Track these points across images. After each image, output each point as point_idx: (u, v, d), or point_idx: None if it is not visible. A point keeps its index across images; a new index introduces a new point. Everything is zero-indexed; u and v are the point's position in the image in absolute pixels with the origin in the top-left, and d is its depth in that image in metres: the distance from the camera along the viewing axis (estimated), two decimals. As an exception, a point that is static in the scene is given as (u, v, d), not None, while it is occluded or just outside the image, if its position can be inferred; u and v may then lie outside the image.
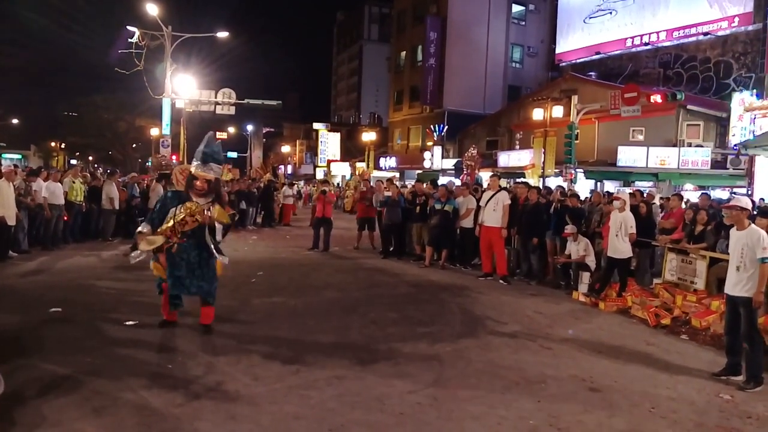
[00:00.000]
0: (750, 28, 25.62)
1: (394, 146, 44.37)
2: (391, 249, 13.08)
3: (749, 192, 16.78)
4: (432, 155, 35.09)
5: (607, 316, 8.22)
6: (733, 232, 5.87)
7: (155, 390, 4.65)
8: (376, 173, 36.83)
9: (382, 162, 41.39)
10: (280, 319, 7.12)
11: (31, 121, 67.53)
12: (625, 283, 9.05)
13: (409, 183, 26.28)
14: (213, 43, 27.28)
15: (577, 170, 21.81)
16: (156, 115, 28.47)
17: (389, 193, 13.50)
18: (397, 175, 37.37)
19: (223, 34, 25.41)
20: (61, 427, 4.00)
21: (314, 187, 24.74)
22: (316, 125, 53.62)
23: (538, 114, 24.72)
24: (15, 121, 59.47)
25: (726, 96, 24.66)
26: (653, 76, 29.46)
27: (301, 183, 37.62)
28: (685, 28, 28.14)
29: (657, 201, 13.82)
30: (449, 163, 33.43)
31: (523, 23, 41.44)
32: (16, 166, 13.00)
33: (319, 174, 47.03)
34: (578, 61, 33.84)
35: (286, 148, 64.57)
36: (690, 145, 22.97)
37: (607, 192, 14.87)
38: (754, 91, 22.73)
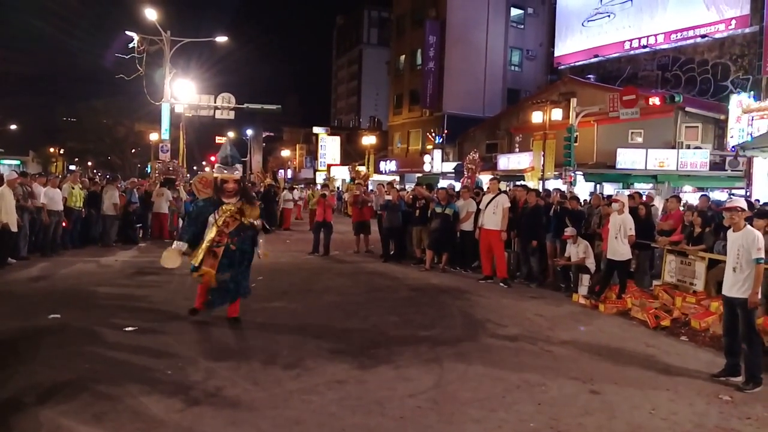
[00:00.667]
0: (747, 30, 25.62)
1: (394, 150, 44.38)
2: (392, 252, 13.09)
3: (748, 193, 16.76)
4: (432, 159, 35.10)
5: (607, 318, 8.22)
6: (729, 233, 5.89)
7: (155, 396, 4.65)
8: (376, 177, 36.86)
9: (383, 166, 41.40)
10: (281, 324, 7.12)
11: (30, 126, 67.48)
12: (625, 285, 9.05)
13: (409, 186, 26.30)
14: (212, 47, 27.30)
15: (577, 173, 21.79)
16: (155, 120, 28.48)
17: (389, 197, 13.52)
18: (398, 178, 37.39)
19: (222, 39, 25.43)
20: (61, 433, 3.99)
21: (312, 192, 24.74)
22: (315, 129, 53.68)
23: (537, 117, 24.73)
24: (13, 126, 59.37)
25: (724, 98, 24.66)
26: (651, 79, 29.49)
27: (302, 186, 37.58)
28: (683, 30, 28.16)
29: (657, 203, 13.83)
30: (449, 166, 33.42)
31: (522, 27, 41.51)
32: (24, 173, 12.97)
33: (319, 178, 47.05)
34: (577, 64, 33.85)
35: (285, 152, 64.60)
36: (689, 147, 22.97)
37: (604, 194, 14.87)
38: (752, 92, 22.72)
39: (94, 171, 62.37)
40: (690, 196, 18.04)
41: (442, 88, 38.20)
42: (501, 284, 10.31)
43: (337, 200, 28.51)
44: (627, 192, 14.44)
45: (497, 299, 9.18)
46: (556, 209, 10.72)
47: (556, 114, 23.66)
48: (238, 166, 7.21)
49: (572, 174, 20.75)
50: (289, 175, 58.14)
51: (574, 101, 21.65)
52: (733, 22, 26.10)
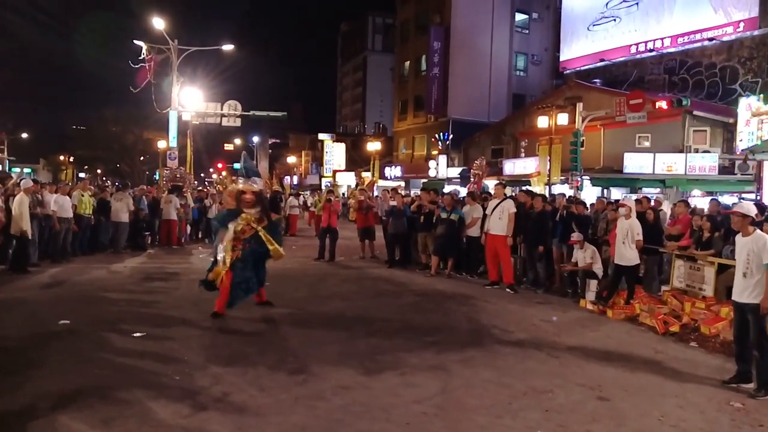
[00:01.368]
0: (756, 32, 25.52)
1: (399, 155, 44.43)
2: (397, 258, 13.08)
3: (758, 197, 16.64)
4: (437, 164, 35.11)
5: (615, 324, 8.16)
6: (738, 238, 5.82)
7: (162, 401, 4.67)
8: (381, 182, 36.88)
9: (388, 171, 41.45)
10: (287, 330, 7.13)
11: (41, 134, 68.33)
12: (633, 290, 8.98)
13: (414, 192, 26.28)
14: (218, 56, 27.48)
15: (584, 177, 21.71)
16: (163, 128, 28.65)
17: (394, 203, 13.52)
18: (403, 184, 37.39)
19: (228, 47, 25.62)
20: (68, 440, 4.01)
21: (318, 197, 24.77)
22: (321, 136, 53.85)
23: (543, 122, 24.69)
24: (24, 135, 59.96)
25: (732, 101, 24.54)
26: (658, 83, 29.40)
27: (307, 193, 37.65)
28: (690, 34, 28.08)
29: (665, 207, 13.74)
30: (454, 171, 33.43)
31: (527, 31, 41.54)
32: (35, 181, 13.14)
33: (325, 184, 47.14)
34: (583, 68, 33.81)
35: (291, 159, 64.81)
36: (697, 150, 22.86)
37: (609, 199, 14.78)
38: (761, 95, 22.57)
39: (104, 178, 62.80)
40: (699, 201, 17.91)
41: (447, 94, 38.26)
42: (507, 290, 10.27)
43: (342, 206, 28.54)
44: (635, 197, 14.36)
45: (503, 305, 9.14)
46: (562, 214, 10.69)
47: (562, 119, 23.60)
48: (256, 179, 7.92)
49: (579, 179, 20.68)
50: (295, 182, 58.32)
51: (580, 106, 21.58)
52: (742, 24, 26.01)
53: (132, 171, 63.16)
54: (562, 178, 22.88)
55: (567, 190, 20.10)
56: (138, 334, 6.61)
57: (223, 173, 51.93)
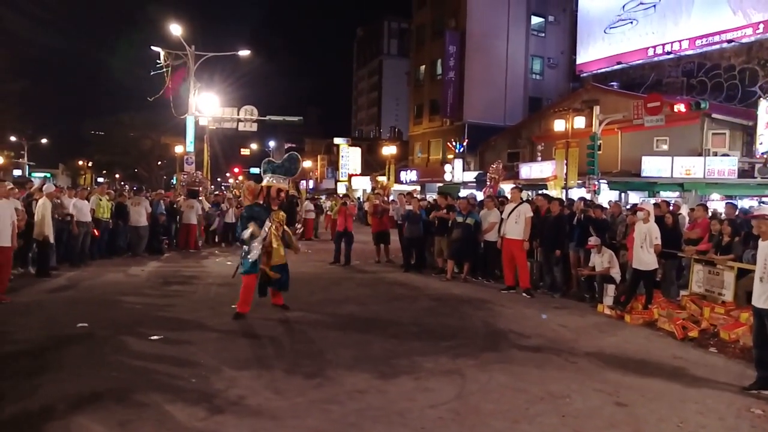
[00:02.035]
0: (776, 34, 25.26)
1: (415, 160, 44.42)
2: (413, 262, 13.06)
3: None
4: (453, 168, 35.03)
5: (633, 329, 8.08)
6: (760, 242, 5.74)
7: (179, 404, 4.70)
8: (397, 187, 36.86)
9: (403, 175, 41.43)
10: (302, 333, 7.14)
11: (59, 140, 69.33)
12: (651, 295, 8.88)
13: (430, 196, 26.23)
14: (235, 61, 27.70)
15: (601, 181, 21.56)
16: (180, 133, 28.88)
17: (410, 207, 13.50)
18: (418, 188, 37.35)
19: (244, 53, 25.81)
20: (86, 442, 4.05)
21: (334, 201, 24.83)
22: (336, 140, 54.01)
23: (559, 125, 24.55)
24: (44, 140, 60.91)
25: (752, 104, 24.25)
26: (676, 86, 29.13)
27: (323, 197, 37.76)
28: (708, 36, 27.81)
29: (684, 211, 13.60)
30: (470, 175, 33.33)
31: (543, 35, 41.36)
32: (58, 187, 13.37)
33: (341, 188, 47.25)
34: (599, 71, 33.61)
35: (307, 163, 64.98)
36: (716, 154, 22.59)
37: (626, 203, 14.64)
38: (781, 98, 22.33)
39: (122, 183, 63.52)
40: (718, 205, 17.71)
41: (463, 98, 38.17)
42: (524, 294, 10.21)
43: (358, 210, 28.56)
44: (653, 200, 14.22)
45: (520, 309, 9.09)
46: (579, 218, 10.61)
47: (579, 122, 23.45)
48: (285, 177, 8.12)
49: (596, 182, 20.53)
50: (311, 186, 58.51)
51: (597, 109, 21.44)
52: (761, 26, 25.72)
53: (149, 176, 63.83)
54: (579, 181, 22.73)
55: (585, 194, 19.93)
56: (155, 337, 6.67)
57: (240, 177, 52.28)
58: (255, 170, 55.13)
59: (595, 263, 9.71)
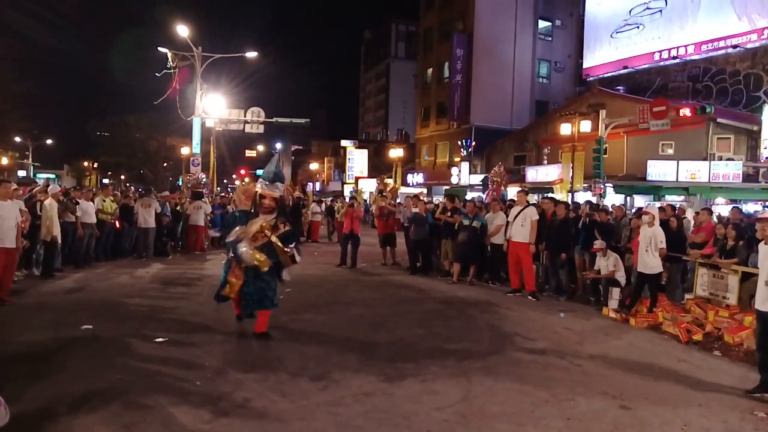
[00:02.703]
0: (781, 40, 25.18)
1: (422, 162, 44.45)
2: (419, 265, 13.08)
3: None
4: (459, 171, 35.04)
5: (637, 333, 8.08)
6: (761, 246, 5.75)
7: (184, 407, 4.71)
8: (403, 189, 36.88)
9: (410, 178, 41.45)
10: (308, 336, 7.16)
11: (65, 141, 69.52)
12: (656, 298, 8.90)
13: (437, 198, 26.24)
14: (242, 63, 27.82)
15: (607, 185, 21.53)
16: (186, 134, 29.03)
17: (416, 210, 13.53)
18: (425, 191, 37.36)
19: (251, 54, 25.89)
20: (94, 442, 4.07)
21: (340, 203, 24.86)
22: (343, 142, 54.01)
23: (566, 129, 24.50)
24: (49, 141, 61.06)
25: (757, 109, 24.21)
26: (682, 90, 29.06)
27: (329, 200, 37.80)
28: (714, 41, 27.74)
29: (689, 215, 13.57)
30: (477, 178, 33.34)
31: (550, 39, 41.39)
32: (65, 188, 13.43)
33: (347, 190, 47.29)
34: (606, 75, 33.56)
35: (314, 165, 65.13)
36: (721, 158, 22.56)
37: (629, 206, 14.62)
38: (786, 102, 22.29)
39: (127, 184, 63.73)
40: (723, 209, 17.65)
41: (470, 101, 38.21)
42: (529, 297, 10.22)
43: (365, 212, 28.58)
44: (658, 204, 14.21)
45: (525, 312, 9.09)
46: (585, 222, 10.62)
47: (585, 126, 23.42)
48: (279, 184, 7.13)
49: (602, 186, 20.51)
50: (318, 188, 58.59)
51: (603, 113, 21.44)
52: (766, 31, 25.63)
53: (155, 177, 64.03)
54: (585, 185, 22.71)
55: (591, 198, 19.92)
56: (160, 340, 6.68)
57: (246, 179, 52.36)
58: (260, 172, 55.31)
59: (601, 266, 9.72)
